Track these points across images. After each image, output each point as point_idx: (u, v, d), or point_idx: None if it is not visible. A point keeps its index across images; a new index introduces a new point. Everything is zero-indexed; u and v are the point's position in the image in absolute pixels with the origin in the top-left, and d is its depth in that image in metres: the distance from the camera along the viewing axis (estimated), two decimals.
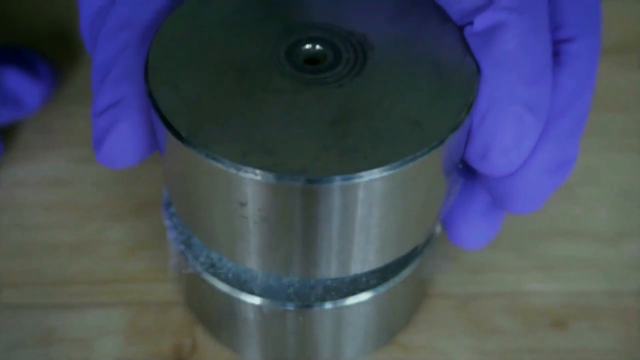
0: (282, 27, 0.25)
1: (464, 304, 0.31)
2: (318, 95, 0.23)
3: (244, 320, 0.28)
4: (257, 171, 0.21)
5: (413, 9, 0.25)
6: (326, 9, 0.25)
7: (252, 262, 0.25)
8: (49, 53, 0.38)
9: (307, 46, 0.25)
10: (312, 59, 0.24)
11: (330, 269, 0.25)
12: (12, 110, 0.35)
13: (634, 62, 0.40)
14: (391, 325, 0.30)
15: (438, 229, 0.29)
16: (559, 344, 0.30)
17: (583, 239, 0.33)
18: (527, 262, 0.33)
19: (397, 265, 0.27)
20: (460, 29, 0.25)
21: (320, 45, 0.25)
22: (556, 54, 0.24)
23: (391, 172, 0.22)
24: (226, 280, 0.27)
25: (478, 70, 0.24)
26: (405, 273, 0.28)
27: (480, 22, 0.23)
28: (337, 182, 0.21)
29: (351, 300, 0.27)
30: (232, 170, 0.22)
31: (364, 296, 0.27)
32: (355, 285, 0.27)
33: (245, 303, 0.27)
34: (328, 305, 0.27)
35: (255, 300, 0.27)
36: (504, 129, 0.23)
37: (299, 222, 0.23)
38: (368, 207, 0.23)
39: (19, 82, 0.35)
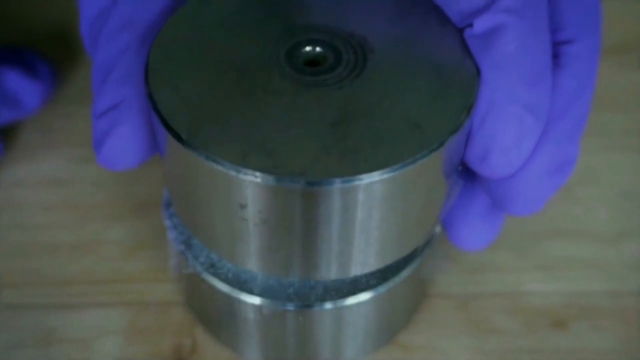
0: (283, 28, 0.25)
1: (464, 304, 0.31)
2: (318, 97, 0.23)
3: (244, 320, 0.28)
4: (257, 173, 0.21)
5: (413, 11, 0.25)
6: (326, 10, 0.25)
7: (252, 264, 0.25)
8: (49, 53, 0.38)
9: (307, 48, 0.25)
10: (312, 61, 0.24)
11: (330, 271, 0.25)
12: (12, 111, 0.35)
13: (634, 62, 0.40)
14: (391, 325, 0.30)
15: (438, 229, 0.29)
16: (559, 344, 0.30)
17: (583, 239, 0.33)
18: (527, 262, 0.33)
19: (397, 265, 0.27)
20: (460, 31, 0.25)
21: (321, 47, 0.25)
22: (556, 56, 0.24)
23: (391, 174, 0.22)
24: (226, 280, 0.27)
25: (478, 72, 0.24)
26: (405, 273, 0.28)
27: (480, 24, 0.23)
28: (337, 185, 0.21)
29: (351, 300, 0.27)
30: (232, 172, 0.22)
31: (364, 296, 0.27)
32: (355, 285, 0.27)
33: (245, 303, 0.27)
34: (328, 305, 0.27)
35: (255, 300, 0.27)
36: (504, 130, 0.23)
37: (299, 224, 0.23)
38: (368, 210, 0.23)
39: (18, 82, 0.35)
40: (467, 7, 0.24)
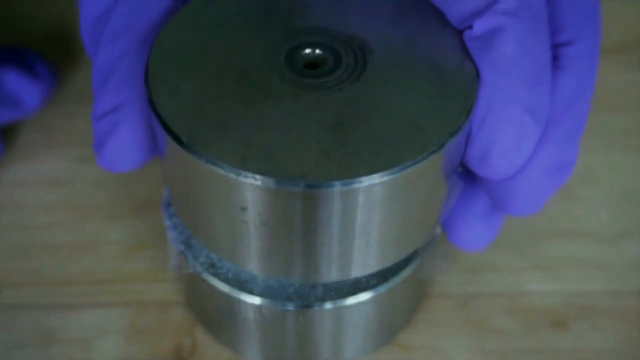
0: (282, 31, 0.25)
1: (464, 304, 0.31)
2: (318, 100, 0.23)
3: (244, 320, 0.28)
4: (257, 176, 0.21)
5: (412, 13, 0.25)
6: (326, 13, 0.25)
7: (253, 265, 0.25)
8: (48, 53, 0.38)
9: (307, 50, 0.25)
10: (312, 64, 0.24)
11: (330, 273, 0.25)
12: (11, 111, 0.35)
13: (634, 62, 0.40)
14: (391, 325, 0.30)
15: (438, 229, 0.29)
16: (559, 344, 0.30)
17: (583, 239, 0.33)
18: (527, 262, 0.33)
19: (397, 265, 0.27)
20: (460, 32, 0.25)
21: (320, 49, 0.25)
22: (556, 57, 0.24)
23: (391, 177, 0.22)
24: (226, 280, 0.27)
25: (477, 73, 0.24)
26: (405, 273, 0.28)
27: (480, 26, 0.23)
28: (337, 187, 0.21)
29: (351, 300, 0.27)
30: (232, 175, 0.22)
31: (364, 296, 0.27)
32: (355, 285, 0.27)
33: (245, 303, 0.27)
34: (328, 305, 0.27)
35: (255, 300, 0.27)
36: (504, 131, 0.23)
37: (299, 227, 0.23)
38: (368, 212, 0.23)
39: (18, 83, 0.35)
40: (467, 9, 0.24)
